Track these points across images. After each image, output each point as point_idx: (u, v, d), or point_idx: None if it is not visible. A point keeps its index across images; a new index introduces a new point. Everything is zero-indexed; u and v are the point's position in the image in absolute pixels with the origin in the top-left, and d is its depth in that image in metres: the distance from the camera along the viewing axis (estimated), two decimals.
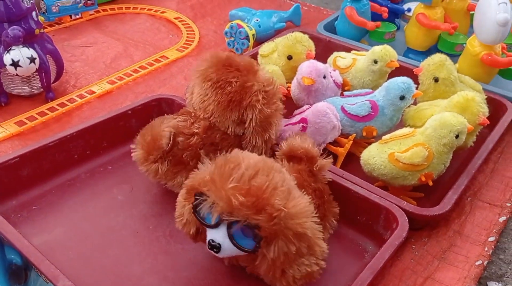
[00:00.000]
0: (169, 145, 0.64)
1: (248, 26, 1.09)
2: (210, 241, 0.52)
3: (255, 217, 0.48)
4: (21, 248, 0.55)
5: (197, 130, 0.65)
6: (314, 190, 0.62)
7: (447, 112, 0.69)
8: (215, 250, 0.52)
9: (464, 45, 0.97)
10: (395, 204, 0.64)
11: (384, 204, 0.65)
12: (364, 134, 0.78)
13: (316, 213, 0.54)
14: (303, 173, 0.62)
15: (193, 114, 0.67)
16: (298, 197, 0.52)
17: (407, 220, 0.62)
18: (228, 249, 0.52)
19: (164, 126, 0.65)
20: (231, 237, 0.51)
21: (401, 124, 0.80)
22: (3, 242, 0.60)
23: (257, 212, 0.48)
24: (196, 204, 0.52)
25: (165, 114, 0.82)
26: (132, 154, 0.68)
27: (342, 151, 0.76)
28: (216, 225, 0.51)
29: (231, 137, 0.66)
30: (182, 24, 1.22)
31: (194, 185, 0.53)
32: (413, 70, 0.84)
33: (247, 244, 0.51)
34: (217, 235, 0.51)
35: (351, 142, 0.76)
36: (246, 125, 0.64)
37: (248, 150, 0.64)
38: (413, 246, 0.66)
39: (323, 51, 0.97)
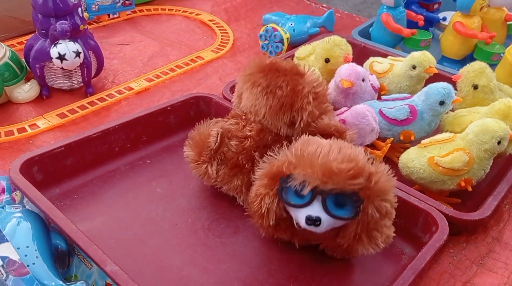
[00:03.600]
0: (216, 144, 0.64)
1: (283, 29, 1.11)
2: (308, 216, 0.52)
3: (354, 181, 0.50)
4: (70, 232, 0.56)
5: (250, 133, 0.65)
6: None
7: (489, 118, 0.69)
8: (317, 223, 0.52)
9: (501, 55, 0.97)
10: (435, 208, 0.64)
11: (423, 207, 0.64)
12: (401, 138, 0.78)
13: None
14: None
15: (243, 117, 0.67)
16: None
17: (447, 224, 0.62)
18: (326, 221, 0.52)
19: (213, 128, 0.65)
20: (327, 210, 0.52)
21: (437, 130, 0.80)
22: (49, 227, 0.62)
23: (354, 177, 0.50)
24: (283, 187, 0.53)
25: (203, 112, 0.85)
26: (184, 155, 0.69)
27: (379, 154, 0.76)
28: (308, 203, 0.52)
29: (283, 138, 0.65)
30: (217, 27, 1.24)
31: (280, 169, 0.53)
32: (452, 77, 0.84)
33: (345, 213, 0.52)
34: (312, 211, 0.52)
35: (388, 145, 0.76)
36: (296, 127, 0.63)
37: None
38: (451, 251, 0.66)
39: (358, 57, 0.97)
